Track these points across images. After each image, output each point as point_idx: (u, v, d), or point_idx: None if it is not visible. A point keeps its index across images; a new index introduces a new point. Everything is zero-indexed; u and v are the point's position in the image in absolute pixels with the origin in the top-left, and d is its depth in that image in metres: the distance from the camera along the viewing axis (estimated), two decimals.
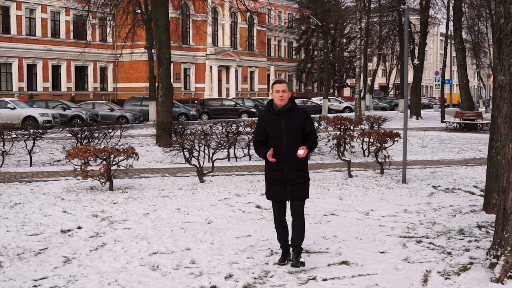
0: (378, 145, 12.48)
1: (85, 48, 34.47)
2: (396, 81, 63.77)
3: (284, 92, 5.58)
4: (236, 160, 14.81)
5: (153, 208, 8.56)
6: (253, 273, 5.48)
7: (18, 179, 11.60)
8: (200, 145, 11.84)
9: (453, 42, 33.02)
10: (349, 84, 70.01)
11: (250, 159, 15.01)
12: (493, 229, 6.07)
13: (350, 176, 11.81)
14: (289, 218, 5.81)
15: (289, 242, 5.77)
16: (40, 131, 14.94)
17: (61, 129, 17.89)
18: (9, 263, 5.76)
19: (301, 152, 5.44)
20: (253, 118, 22.20)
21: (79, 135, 14.86)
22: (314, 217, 7.87)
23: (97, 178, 10.11)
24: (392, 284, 5.15)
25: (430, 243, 6.54)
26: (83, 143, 14.76)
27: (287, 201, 5.75)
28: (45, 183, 11.01)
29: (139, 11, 28.92)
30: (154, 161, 14.75)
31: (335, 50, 62.07)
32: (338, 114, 31.60)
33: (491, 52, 44.95)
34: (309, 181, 5.75)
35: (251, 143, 15.13)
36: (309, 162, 5.54)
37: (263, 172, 5.62)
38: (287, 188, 5.58)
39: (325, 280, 5.28)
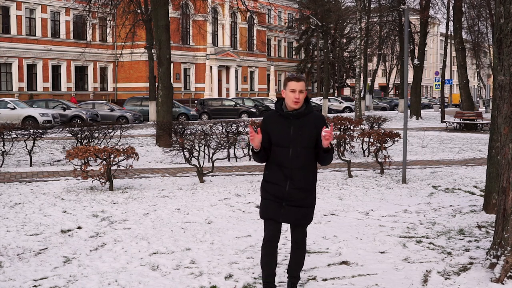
0: (378, 145, 12.48)
1: (85, 48, 34.51)
2: (396, 81, 63.80)
3: (301, 93, 4.42)
4: (236, 160, 14.81)
5: (153, 208, 8.56)
6: (253, 273, 5.48)
7: (18, 179, 11.60)
8: (200, 145, 11.84)
9: (453, 42, 33.03)
10: (349, 84, 70.04)
11: (250, 159, 15.00)
12: (493, 229, 6.08)
13: (350, 176, 11.81)
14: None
15: (275, 277, 4.79)
16: (40, 131, 14.94)
17: (61, 129, 17.90)
18: (9, 263, 5.76)
19: (327, 129, 4.32)
20: (253, 118, 22.19)
21: (79, 135, 14.87)
22: (314, 217, 7.84)
23: (97, 178, 10.11)
24: (392, 284, 5.15)
25: (430, 243, 6.54)
26: (83, 143, 14.77)
27: (281, 225, 4.71)
28: (45, 183, 11.01)
29: (139, 11, 28.92)
30: (154, 161, 14.75)
31: (335, 50, 62.09)
32: (338, 114, 31.63)
33: (491, 52, 44.93)
34: (315, 205, 4.69)
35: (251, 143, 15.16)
36: None
37: (263, 172, 4.75)
38: (283, 207, 4.53)
39: (325, 280, 5.28)
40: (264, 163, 4.68)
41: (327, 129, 4.32)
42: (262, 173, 4.86)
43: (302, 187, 4.51)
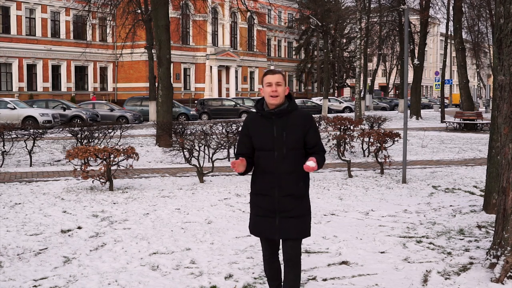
0: (378, 145, 12.48)
1: (86, 48, 34.51)
2: (396, 81, 63.80)
3: (278, 86, 4.03)
4: None
5: (153, 208, 8.57)
6: (253, 273, 5.48)
7: (18, 179, 11.60)
8: (200, 145, 11.84)
9: (453, 42, 33.03)
10: (349, 84, 70.04)
11: None
12: (493, 229, 6.08)
13: (350, 176, 11.81)
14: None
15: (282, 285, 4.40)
16: (40, 131, 14.94)
17: (61, 129, 17.90)
18: (9, 263, 5.76)
19: (311, 163, 3.92)
20: None
21: (79, 135, 14.87)
22: (314, 217, 7.87)
23: (97, 178, 10.11)
24: (392, 284, 5.15)
25: (430, 243, 6.55)
26: (83, 143, 14.77)
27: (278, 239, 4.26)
28: (45, 183, 11.01)
29: (139, 11, 28.93)
30: (154, 161, 14.75)
31: (335, 50, 62.10)
32: (338, 114, 31.63)
33: (491, 52, 44.94)
34: (311, 214, 4.20)
35: None
36: None
37: (250, 184, 4.29)
38: (277, 220, 4.06)
39: (325, 280, 5.28)
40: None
41: (311, 163, 3.92)
42: None
43: (292, 194, 4.05)
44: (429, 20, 38.38)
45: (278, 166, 4.03)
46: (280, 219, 4.06)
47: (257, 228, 4.17)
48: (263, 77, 4.12)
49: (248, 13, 28.00)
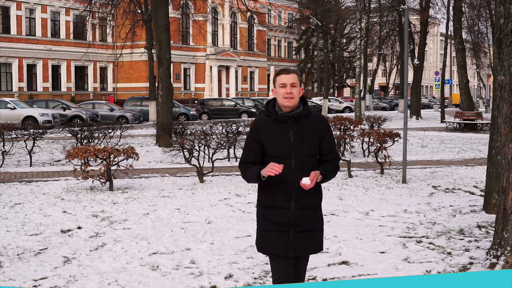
0: (378, 145, 12.49)
1: (88, 48, 34.52)
2: (396, 81, 63.83)
3: (293, 87, 3.61)
4: (236, 160, 14.80)
5: (153, 208, 8.57)
6: (253, 273, 5.48)
7: (18, 179, 11.60)
8: (200, 145, 11.84)
9: (453, 42, 33.03)
10: (349, 84, 70.07)
11: None
12: (493, 229, 6.08)
13: (350, 176, 11.81)
14: None
15: None
16: (40, 131, 14.94)
17: (61, 129, 17.90)
18: (9, 263, 5.76)
19: (307, 181, 3.53)
20: (253, 118, 22.18)
21: (79, 135, 14.87)
22: None
23: (97, 178, 10.11)
24: None
25: (430, 243, 6.55)
26: (83, 143, 14.77)
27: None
28: (45, 183, 11.01)
29: (139, 11, 28.95)
30: (154, 161, 14.75)
31: (335, 50, 62.11)
32: (338, 114, 31.63)
33: (491, 52, 44.96)
34: (323, 226, 3.83)
35: None
36: None
37: (258, 194, 3.86)
38: (291, 235, 3.63)
39: (325, 280, 5.28)
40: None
41: (307, 181, 3.52)
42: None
43: (309, 206, 3.67)
44: (429, 20, 38.39)
45: (295, 176, 3.59)
46: (295, 233, 3.64)
47: (268, 244, 3.69)
48: (276, 76, 3.69)
49: (248, 13, 28.04)
